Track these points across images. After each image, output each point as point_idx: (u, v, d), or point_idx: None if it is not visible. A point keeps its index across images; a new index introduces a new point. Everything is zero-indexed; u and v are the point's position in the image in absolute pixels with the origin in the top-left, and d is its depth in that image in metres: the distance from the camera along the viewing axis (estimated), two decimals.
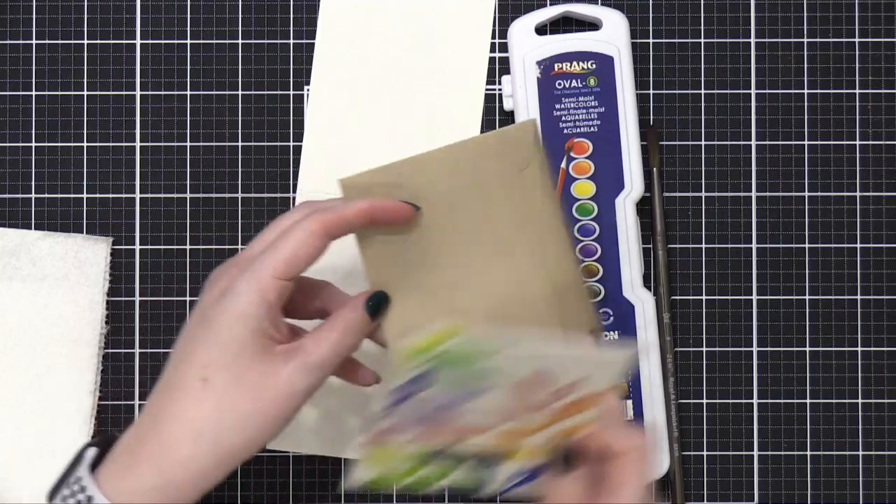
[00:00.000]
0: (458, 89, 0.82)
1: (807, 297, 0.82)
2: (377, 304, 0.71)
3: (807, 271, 0.82)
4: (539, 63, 0.80)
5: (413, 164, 0.72)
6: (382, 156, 0.80)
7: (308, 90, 0.82)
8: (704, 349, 0.82)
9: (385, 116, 0.82)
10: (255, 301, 0.67)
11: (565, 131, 0.80)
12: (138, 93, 0.83)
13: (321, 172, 0.82)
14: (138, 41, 0.83)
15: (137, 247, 0.82)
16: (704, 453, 0.82)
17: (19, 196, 0.82)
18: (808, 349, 0.82)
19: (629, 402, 0.79)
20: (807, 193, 0.82)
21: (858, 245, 0.82)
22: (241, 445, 0.67)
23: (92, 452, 0.68)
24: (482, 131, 0.82)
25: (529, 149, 0.73)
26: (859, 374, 0.82)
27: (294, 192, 0.82)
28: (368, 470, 0.70)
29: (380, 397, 0.69)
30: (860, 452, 0.82)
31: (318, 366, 0.68)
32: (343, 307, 0.70)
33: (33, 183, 0.82)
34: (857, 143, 0.82)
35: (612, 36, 0.80)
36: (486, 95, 0.82)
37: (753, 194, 0.82)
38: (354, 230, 0.70)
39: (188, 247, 0.82)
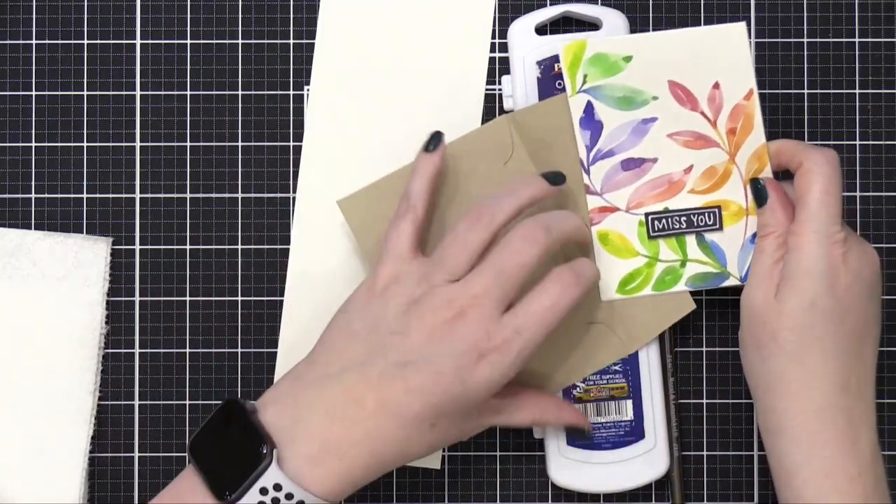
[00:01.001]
0: (458, 89, 0.82)
1: None
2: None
3: None
4: (539, 63, 0.80)
5: (402, 176, 0.75)
6: (382, 156, 0.81)
7: (308, 90, 0.82)
8: (704, 349, 0.82)
9: (385, 116, 0.82)
10: (517, 370, 0.71)
11: None
12: (138, 93, 0.82)
13: (321, 173, 0.82)
14: (138, 41, 0.83)
15: (137, 247, 0.82)
16: (704, 453, 0.82)
17: (19, 196, 0.82)
18: None
19: (629, 401, 0.79)
20: None
21: None
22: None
23: (275, 456, 0.69)
24: None
25: (507, 143, 0.76)
26: None
27: (294, 192, 0.82)
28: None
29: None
30: None
31: (502, 424, 0.75)
32: (541, 395, 0.77)
33: (33, 183, 0.82)
34: (857, 143, 0.82)
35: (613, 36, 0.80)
36: (487, 95, 0.82)
37: None
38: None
39: (188, 247, 0.82)
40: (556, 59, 0.79)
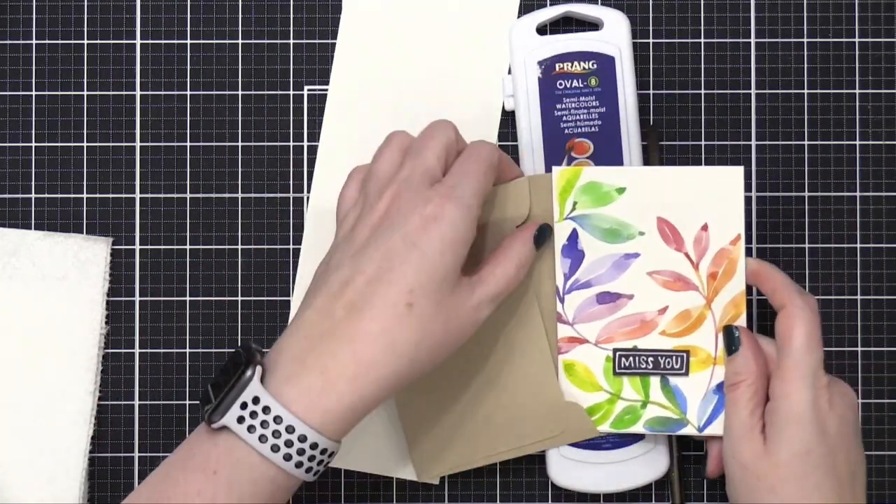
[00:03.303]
0: (477, 91, 0.82)
1: None
2: (543, 236, 0.75)
3: (807, 271, 0.82)
4: (540, 63, 0.80)
5: None
6: None
7: (327, 91, 0.82)
8: None
9: (403, 119, 0.82)
10: (468, 228, 0.69)
11: (566, 131, 0.80)
12: (138, 93, 0.82)
13: (336, 173, 0.82)
14: (138, 41, 0.83)
15: (137, 247, 0.82)
16: (704, 453, 0.82)
17: (19, 196, 0.82)
18: None
19: None
20: (807, 193, 0.82)
21: (858, 245, 0.82)
22: (428, 370, 0.69)
23: (258, 372, 0.67)
24: (499, 135, 0.82)
25: (525, 204, 0.75)
26: (859, 374, 0.82)
27: (293, 192, 0.82)
28: (570, 388, 0.76)
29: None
30: None
31: (496, 297, 0.72)
32: (514, 240, 0.73)
33: (33, 183, 0.82)
34: (857, 143, 0.82)
35: (613, 36, 0.80)
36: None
37: (753, 194, 0.82)
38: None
39: (188, 247, 0.82)
40: (557, 59, 0.79)
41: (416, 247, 0.68)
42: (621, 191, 0.75)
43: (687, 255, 0.74)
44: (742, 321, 0.75)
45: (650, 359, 0.75)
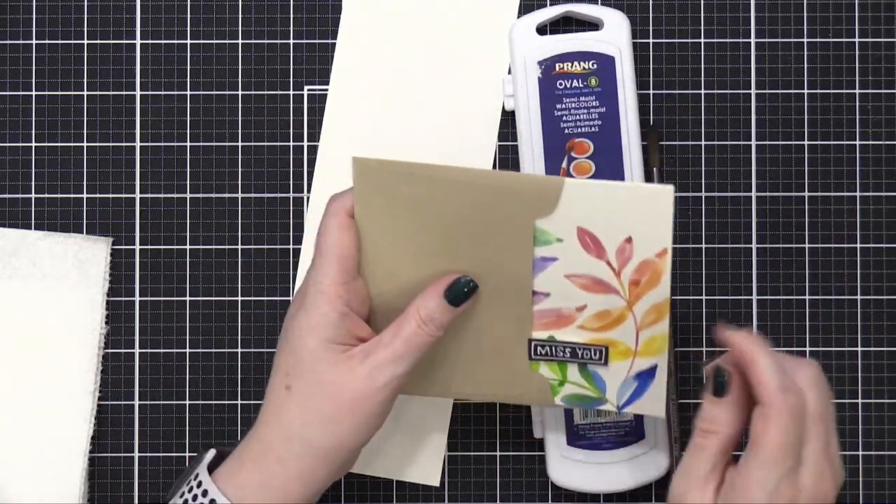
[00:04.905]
0: (477, 91, 0.82)
1: (806, 297, 0.82)
2: (457, 293, 0.72)
3: (806, 271, 0.82)
4: (540, 63, 0.80)
5: (429, 171, 0.71)
6: (398, 157, 0.81)
7: (327, 91, 0.82)
8: (704, 349, 0.82)
9: (403, 117, 0.82)
10: (325, 312, 0.71)
11: (566, 131, 0.80)
12: (138, 93, 0.82)
13: (337, 172, 0.82)
14: (138, 41, 0.83)
15: (137, 247, 0.82)
16: None
17: (19, 196, 0.82)
18: (807, 349, 0.82)
19: None
20: (807, 193, 0.82)
21: (858, 245, 0.82)
22: (333, 446, 0.71)
23: (211, 454, 0.74)
24: (499, 135, 0.82)
25: (551, 203, 0.70)
26: (859, 374, 0.82)
27: (293, 192, 0.82)
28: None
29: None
30: (860, 452, 0.82)
31: (393, 359, 0.71)
32: (422, 294, 0.72)
33: (33, 183, 0.82)
34: (857, 143, 0.82)
35: (613, 36, 0.80)
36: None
37: (753, 194, 0.82)
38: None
39: (188, 247, 0.82)
40: (557, 59, 0.79)
41: (286, 335, 0.72)
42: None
43: (609, 263, 0.71)
44: (665, 325, 0.72)
45: (567, 349, 0.73)
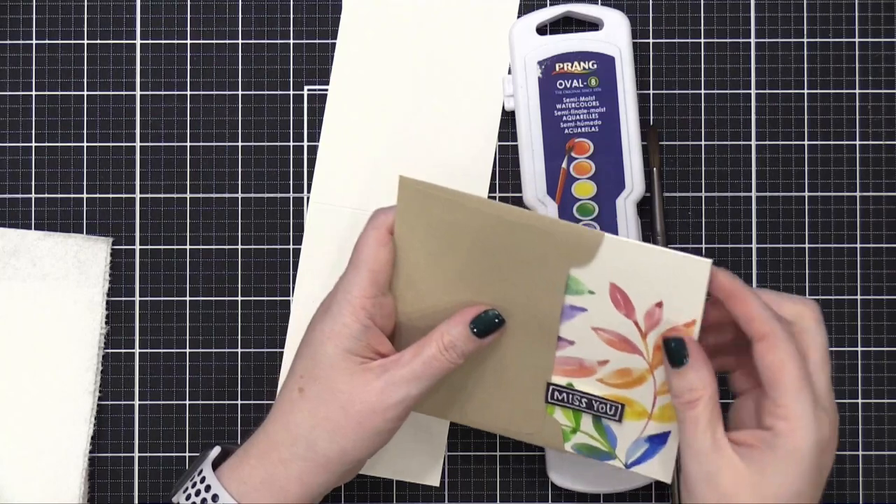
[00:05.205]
0: (478, 92, 0.82)
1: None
2: (485, 325, 0.72)
3: (807, 271, 0.82)
4: (540, 63, 0.80)
5: (473, 203, 0.70)
6: (400, 159, 0.81)
7: (327, 91, 0.82)
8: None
9: (403, 119, 0.82)
10: (349, 323, 0.71)
11: (566, 131, 0.80)
12: (138, 93, 0.82)
13: (336, 173, 0.82)
14: (138, 41, 0.83)
15: (137, 247, 0.82)
16: None
17: (19, 196, 0.82)
18: None
19: None
20: (807, 193, 0.82)
21: (858, 245, 0.82)
22: (337, 455, 0.72)
23: (216, 451, 0.74)
24: (499, 135, 0.82)
25: (589, 255, 0.70)
26: (859, 374, 0.82)
27: (293, 192, 0.82)
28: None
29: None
30: (860, 452, 0.82)
31: (410, 379, 0.71)
32: (448, 321, 0.72)
33: (33, 183, 0.82)
34: (857, 143, 0.82)
35: (613, 36, 0.80)
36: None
37: (753, 194, 0.82)
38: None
39: (188, 247, 0.82)
40: (557, 59, 0.79)
41: (307, 339, 0.73)
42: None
43: (636, 324, 0.71)
44: None
45: (584, 400, 0.73)
